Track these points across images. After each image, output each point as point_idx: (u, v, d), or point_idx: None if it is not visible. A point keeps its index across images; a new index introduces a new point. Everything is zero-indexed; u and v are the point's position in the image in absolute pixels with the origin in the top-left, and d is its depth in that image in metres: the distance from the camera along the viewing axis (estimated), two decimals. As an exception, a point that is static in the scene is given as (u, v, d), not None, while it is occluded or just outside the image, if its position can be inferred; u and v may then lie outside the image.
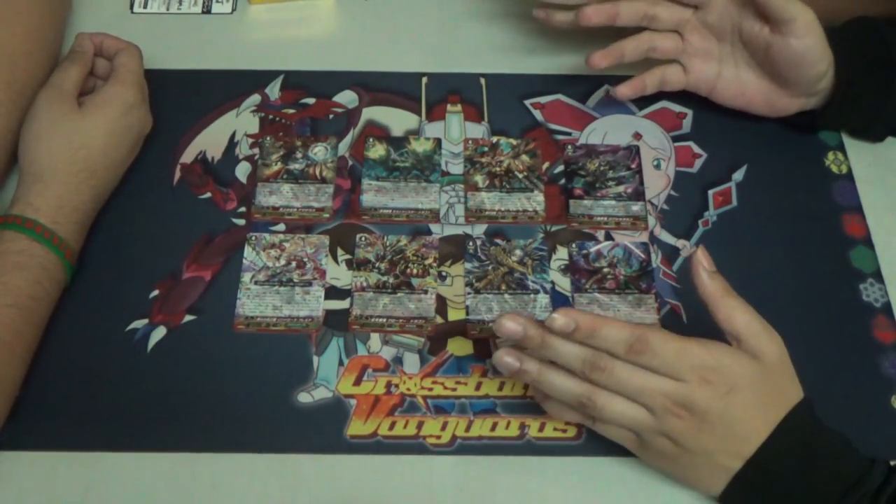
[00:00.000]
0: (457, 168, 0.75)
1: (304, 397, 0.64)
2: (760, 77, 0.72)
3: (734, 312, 0.56)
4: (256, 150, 0.75)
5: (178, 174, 0.73)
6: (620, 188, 0.74)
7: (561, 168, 0.75)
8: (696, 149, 0.76)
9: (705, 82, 0.74)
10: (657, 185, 0.74)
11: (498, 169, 0.74)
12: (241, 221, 0.71)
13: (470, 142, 0.76)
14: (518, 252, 0.70)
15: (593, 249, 0.71)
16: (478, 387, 0.64)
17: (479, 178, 0.74)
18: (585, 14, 0.71)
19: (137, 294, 0.67)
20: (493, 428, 0.63)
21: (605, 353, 0.55)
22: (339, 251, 0.70)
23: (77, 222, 0.66)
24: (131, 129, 0.70)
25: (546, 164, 0.75)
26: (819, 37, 0.68)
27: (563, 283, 0.69)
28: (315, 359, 0.65)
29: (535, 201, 0.73)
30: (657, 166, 0.75)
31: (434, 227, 0.72)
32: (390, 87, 0.79)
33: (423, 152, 0.75)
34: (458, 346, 0.66)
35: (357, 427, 0.62)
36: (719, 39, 0.72)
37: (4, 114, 0.68)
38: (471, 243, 0.71)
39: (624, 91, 0.74)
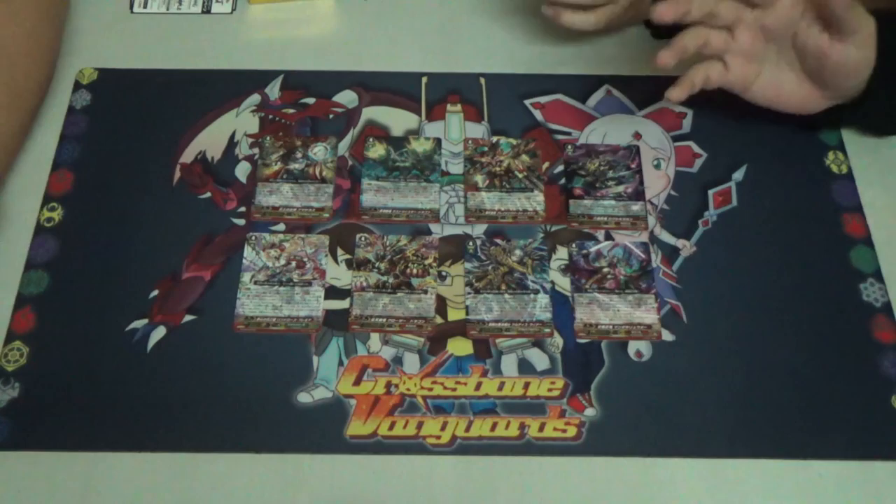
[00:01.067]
0: (457, 168, 0.75)
1: (303, 397, 0.64)
2: (801, 80, 0.70)
3: None
4: (256, 150, 0.75)
5: (177, 174, 0.73)
6: (620, 188, 0.74)
7: (561, 168, 0.75)
8: (696, 148, 0.76)
9: (742, 82, 0.71)
10: (657, 184, 0.74)
11: (498, 169, 0.74)
12: (241, 221, 0.71)
13: (470, 142, 0.76)
14: (518, 252, 0.70)
15: (593, 249, 0.71)
16: (478, 387, 0.64)
17: (479, 178, 0.74)
18: (659, 12, 0.67)
19: (137, 294, 0.67)
20: (493, 428, 0.63)
21: None
22: (339, 251, 0.70)
23: None
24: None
25: (546, 164, 0.75)
26: (874, 48, 0.67)
27: (563, 283, 0.69)
28: (315, 359, 0.65)
29: (535, 201, 0.73)
30: (657, 166, 0.75)
31: (434, 227, 0.72)
32: (390, 86, 0.79)
33: (423, 152, 0.75)
34: (458, 346, 0.66)
35: (357, 427, 0.62)
36: (768, 41, 0.70)
37: (4, 115, 0.68)
38: (471, 243, 0.71)
39: (677, 94, 0.70)
